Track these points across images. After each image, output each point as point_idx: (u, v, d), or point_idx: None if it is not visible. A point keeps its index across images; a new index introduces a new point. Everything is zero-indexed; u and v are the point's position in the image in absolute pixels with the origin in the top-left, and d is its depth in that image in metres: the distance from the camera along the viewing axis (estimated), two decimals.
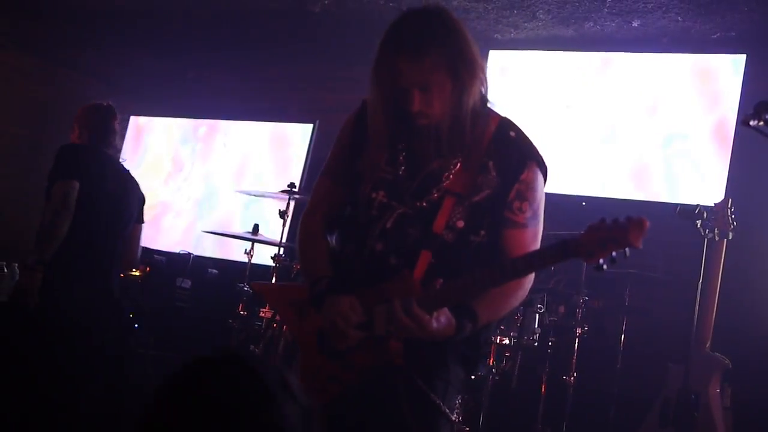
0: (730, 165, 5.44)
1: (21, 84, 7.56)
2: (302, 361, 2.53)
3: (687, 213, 4.48)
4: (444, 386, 2.39)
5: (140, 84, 8.12)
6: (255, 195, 5.78)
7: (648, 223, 2.03)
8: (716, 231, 4.58)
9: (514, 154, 2.40)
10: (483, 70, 2.37)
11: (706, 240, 4.49)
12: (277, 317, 4.74)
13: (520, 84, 6.25)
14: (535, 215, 2.42)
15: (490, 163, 2.39)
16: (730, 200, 4.66)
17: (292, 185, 5.30)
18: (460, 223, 2.38)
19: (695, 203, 4.63)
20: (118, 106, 4.78)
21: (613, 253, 2.05)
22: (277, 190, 5.39)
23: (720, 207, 4.63)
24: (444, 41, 2.27)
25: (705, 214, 4.48)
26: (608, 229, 2.06)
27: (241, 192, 5.93)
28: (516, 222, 2.39)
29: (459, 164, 2.39)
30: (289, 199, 5.27)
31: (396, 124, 2.38)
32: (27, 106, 7.61)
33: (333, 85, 7.15)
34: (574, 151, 5.95)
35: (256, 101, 7.62)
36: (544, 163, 2.44)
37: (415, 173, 2.43)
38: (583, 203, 5.51)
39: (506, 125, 2.44)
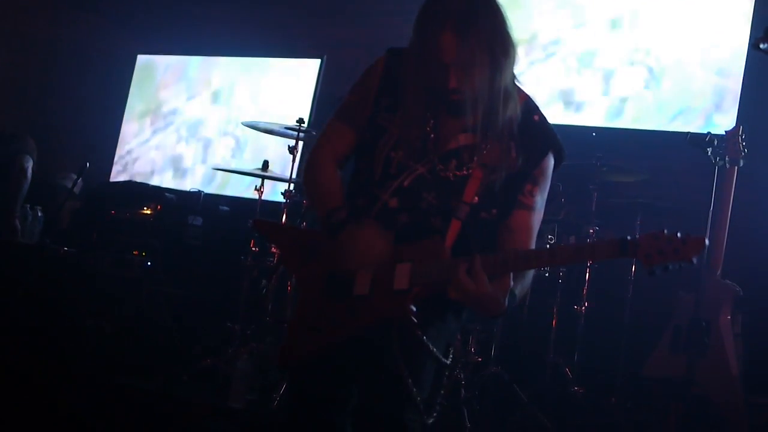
0: (741, 91, 5.39)
1: (24, 23, 7.50)
2: (304, 303, 2.55)
3: (697, 141, 4.45)
4: (436, 332, 2.41)
5: (144, 21, 8.04)
6: (262, 130, 5.73)
7: (707, 243, 2.09)
8: (727, 159, 4.55)
9: (538, 141, 2.47)
10: (516, 51, 2.42)
11: (716, 168, 4.46)
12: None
13: (534, 10, 6.18)
14: (542, 200, 2.49)
15: (512, 144, 2.43)
16: (741, 127, 4.63)
17: (300, 121, 5.26)
18: (475, 199, 2.41)
19: (706, 131, 4.60)
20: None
21: (669, 265, 2.10)
22: (285, 126, 5.35)
23: (731, 134, 4.60)
24: (486, 21, 2.34)
25: (716, 142, 4.44)
26: (668, 240, 2.11)
27: (248, 125, 5.88)
28: (525, 204, 2.46)
29: (489, 145, 2.42)
30: (298, 134, 5.24)
31: (428, 97, 2.41)
32: (30, 46, 7.55)
33: (341, 20, 7.06)
34: (582, 78, 5.90)
35: (263, 36, 7.54)
36: (562, 150, 2.51)
37: (441, 144, 2.45)
38: (593, 134, 5.47)
39: (531, 108, 2.50)
